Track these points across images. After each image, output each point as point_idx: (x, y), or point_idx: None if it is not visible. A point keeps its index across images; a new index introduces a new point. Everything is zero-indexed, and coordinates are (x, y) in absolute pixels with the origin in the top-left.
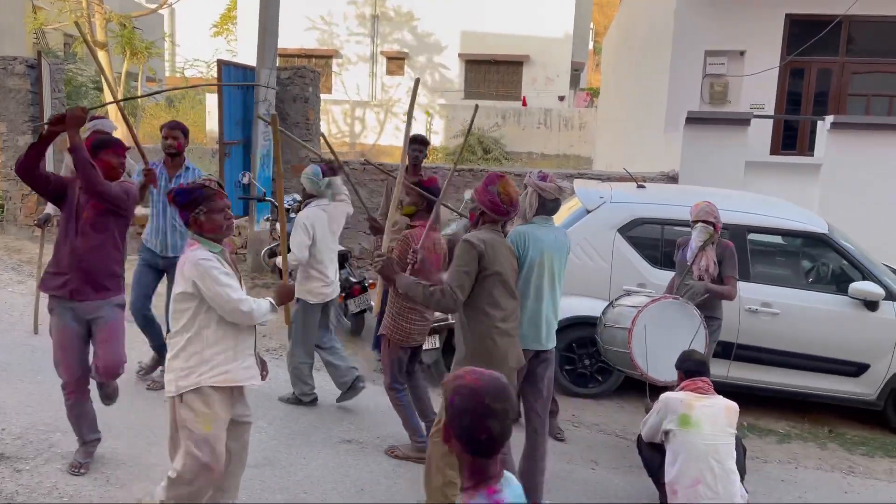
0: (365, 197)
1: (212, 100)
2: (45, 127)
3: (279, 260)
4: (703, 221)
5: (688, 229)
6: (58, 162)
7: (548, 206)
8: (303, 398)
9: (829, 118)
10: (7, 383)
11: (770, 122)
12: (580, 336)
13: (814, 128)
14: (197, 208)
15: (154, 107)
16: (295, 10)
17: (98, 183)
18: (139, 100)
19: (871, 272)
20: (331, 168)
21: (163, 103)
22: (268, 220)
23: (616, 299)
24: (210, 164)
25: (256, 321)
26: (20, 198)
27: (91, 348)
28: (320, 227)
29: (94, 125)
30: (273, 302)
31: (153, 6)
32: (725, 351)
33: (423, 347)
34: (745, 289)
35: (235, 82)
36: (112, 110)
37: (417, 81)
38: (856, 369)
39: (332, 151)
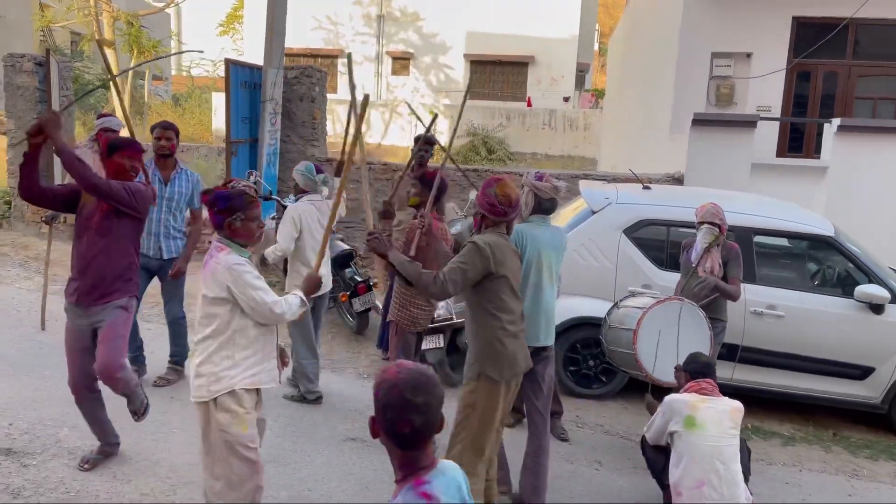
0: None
1: (218, 99)
2: (27, 143)
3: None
4: (709, 223)
5: (693, 231)
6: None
7: (544, 205)
8: (308, 396)
9: (836, 121)
10: (14, 379)
11: (776, 124)
12: (584, 337)
13: (820, 130)
14: (234, 214)
15: (160, 105)
16: (301, 10)
17: (89, 177)
18: (146, 98)
19: (878, 275)
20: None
21: (169, 102)
22: (273, 218)
23: (621, 300)
24: (216, 162)
25: (289, 320)
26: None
27: None
28: (309, 221)
29: (101, 123)
30: (302, 296)
31: (160, 5)
32: (730, 353)
33: (427, 347)
34: (750, 291)
35: (243, 84)
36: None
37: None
38: (861, 373)
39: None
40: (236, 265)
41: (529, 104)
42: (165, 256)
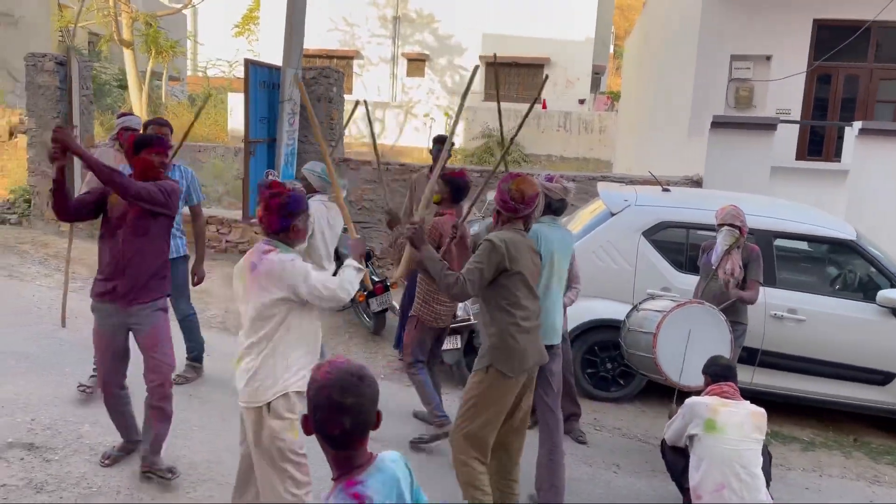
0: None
1: (234, 99)
2: (53, 167)
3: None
4: (729, 225)
5: (713, 234)
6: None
7: (554, 206)
8: None
9: (858, 124)
10: (36, 375)
11: (796, 127)
12: (602, 339)
13: (841, 134)
14: (301, 216)
15: (176, 105)
16: (317, 12)
17: (129, 187)
18: (162, 99)
19: None
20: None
21: (185, 102)
22: None
23: (640, 303)
24: (233, 162)
25: (352, 294)
26: (47, 192)
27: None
28: (321, 222)
29: (122, 122)
30: (355, 263)
31: (177, 6)
32: (750, 357)
33: (445, 347)
34: (770, 295)
35: (261, 84)
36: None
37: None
38: (882, 378)
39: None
40: (293, 260)
41: (544, 106)
42: (172, 255)
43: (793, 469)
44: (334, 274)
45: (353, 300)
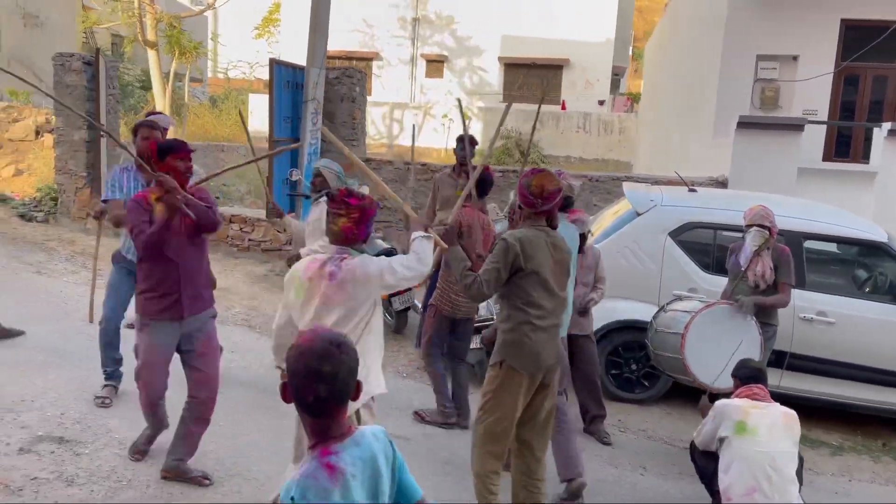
0: (409, 196)
1: (255, 100)
2: (159, 209)
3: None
4: (758, 226)
5: (741, 234)
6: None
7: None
8: None
9: (886, 125)
10: (64, 370)
11: (823, 128)
12: (627, 340)
13: (868, 135)
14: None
15: (198, 107)
16: (337, 13)
17: (216, 220)
18: (185, 99)
19: None
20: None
21: (206, 103)
22: None
23: (667, 304)
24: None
25: (430, 263)
26: (73, 191)
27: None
28: None
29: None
30: (422, 233)
31: (197, 8)
32: (778, 360)
33: (472, 347)
34: (800, 297)
35: (285, 84)
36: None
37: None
38: None
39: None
40: (372, 259)
41: (564, 107)
42: None
43: (822, 474)
44: None
45: None
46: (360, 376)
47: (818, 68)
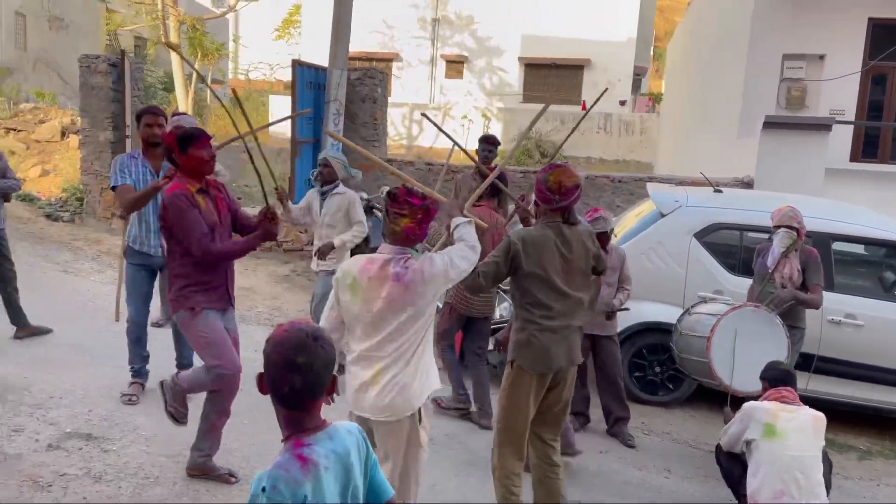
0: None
1: (275, 101)
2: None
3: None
4: (786, 227)
5: (767, 235)
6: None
7: None
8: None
9: None
10: (92, 368)
11: (850, 128)
12: (651, 342)
13: None
14: None
15: (218, 107)
16: (357, 14)
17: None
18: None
19: None
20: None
21: (228, 104)
22: None
23: (692, 306)
24: (275, 163)
25: (478, 247)
26: (98, 191)
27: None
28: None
29: (175, 121)
30: (460, 219)
31: (219, 10)
32: (805, 363)
33: (489, 349)
34: (828, 299)
35: (308, 85)
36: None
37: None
38: None
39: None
40: (431, 258)
41: (584, 108)
42: (167, 253)
43: (850, 478)
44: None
45: None
46: (422, 376)
47: (845, 67)
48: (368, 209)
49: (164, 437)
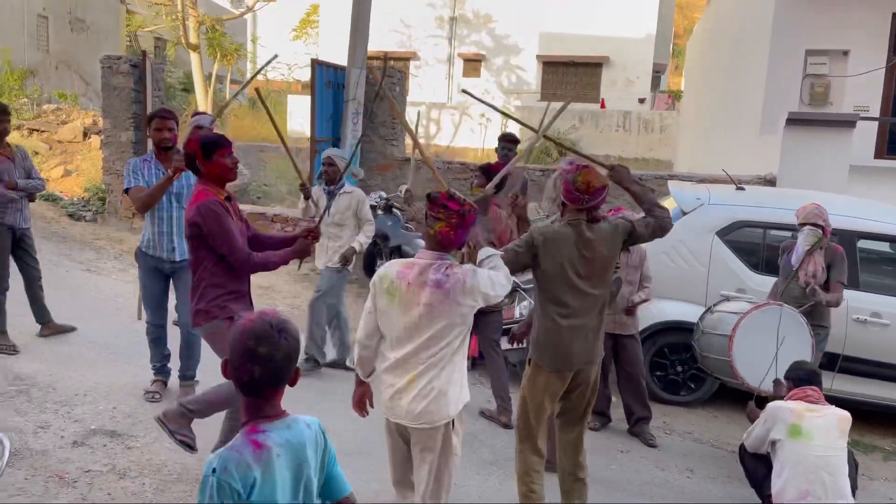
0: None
1: (294, 101)
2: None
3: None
4: (812, 224)
5: (789, 233)
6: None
7: None
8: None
9: None
10: (115, 365)
11: (874, 125)
12: (673, 341)
13: None
14: None
15: (237, 108)
16: (374, 13)
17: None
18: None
19: None
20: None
21: (246, 105)
22: None
23: (714, 305)
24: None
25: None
26: (120, 191)
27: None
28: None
29: (195, 121)
30: (489, 251)
31: (237, 11)
32: (830, 362)
33: (508, 347)
34: (853, 298)
35: (327, 84)
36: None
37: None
38: None
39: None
40: (474, 270)
41: (603, 106)
42: (178, 258)
43: (875, 479)
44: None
45: None
46: (456, 384)
47: (869, 63)
48: (388, 208)
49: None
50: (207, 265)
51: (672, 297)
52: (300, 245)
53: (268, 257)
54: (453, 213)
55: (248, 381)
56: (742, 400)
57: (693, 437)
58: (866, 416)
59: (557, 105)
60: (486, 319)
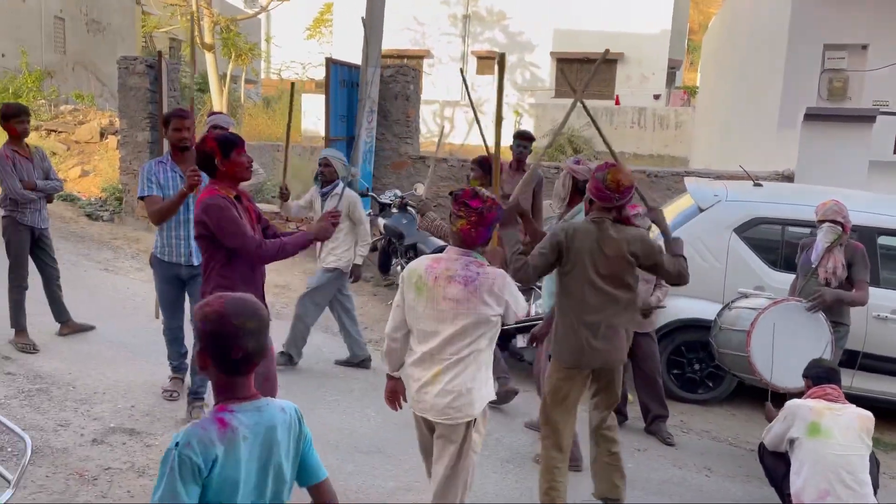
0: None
1: (308, 100)
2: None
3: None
4: (831, 221)
5: (808, 230)
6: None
7: (580, 186)
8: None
9: None
10: (133, 364)
11: (894, 119)
12: (690, 339)
13: None
14: None
15: (252, 107)
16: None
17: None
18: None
19: None
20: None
21: (260, 104)
22: (369, 215)
23: (733, 301)
24: (308, 161)
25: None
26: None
27: None
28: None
29: (211, 120)
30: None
31: (251, 11)
32: (850, 360)
33: (522, 345)
34: (874, 295)
35: (341, 83)
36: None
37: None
38: None
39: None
40: (506, 276)
41: (617, 102)
42: (196, 262)
43: None
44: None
45: None
46: (481, 384)
47: (889, 57)
48: (402, 206)
49: None
50: (217, 266)
51: (689, 295)
52: (319, 227)
53: (282, 243)
54: (473, 212)
55: (242, 358)
56: (760, 398)
57: (711, 435)
58: (887, 414)
59: (587, 103)
60: None
